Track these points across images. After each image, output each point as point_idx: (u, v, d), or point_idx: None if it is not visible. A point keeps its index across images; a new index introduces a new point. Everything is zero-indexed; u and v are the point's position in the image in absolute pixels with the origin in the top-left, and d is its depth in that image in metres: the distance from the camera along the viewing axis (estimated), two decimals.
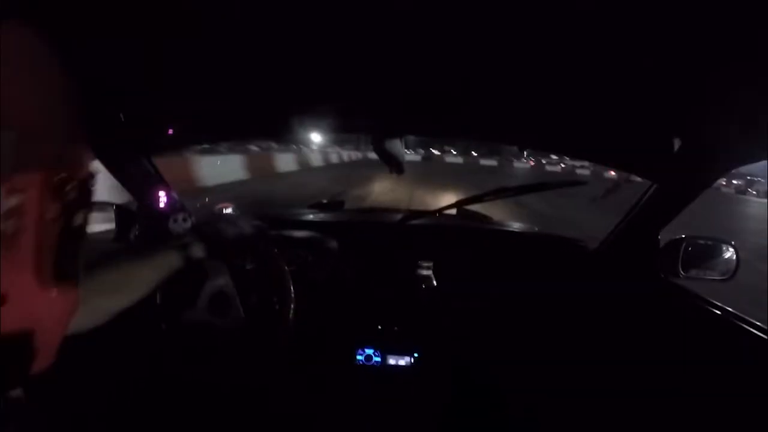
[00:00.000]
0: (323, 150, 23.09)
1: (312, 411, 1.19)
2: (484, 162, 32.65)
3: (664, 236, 1.18)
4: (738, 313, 0.95)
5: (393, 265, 1.28)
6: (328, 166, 19.69)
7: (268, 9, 0.55)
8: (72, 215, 0.32)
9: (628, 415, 1.09)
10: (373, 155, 1.38)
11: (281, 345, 0.99)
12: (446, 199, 2.03)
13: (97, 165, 1.14)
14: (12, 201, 0.28)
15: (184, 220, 1.30)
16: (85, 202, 0.34)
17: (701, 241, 1.12)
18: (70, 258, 0.33)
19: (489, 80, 0.82)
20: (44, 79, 0.31)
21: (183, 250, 0.82)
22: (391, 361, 1.22)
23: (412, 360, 1.21)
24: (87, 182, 0.34)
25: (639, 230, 1.22)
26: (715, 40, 0.53)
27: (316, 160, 19.31)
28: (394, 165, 1.34)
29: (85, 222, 0.35)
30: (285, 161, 15.13)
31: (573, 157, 1.33)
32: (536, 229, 1.63)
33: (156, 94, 0.95)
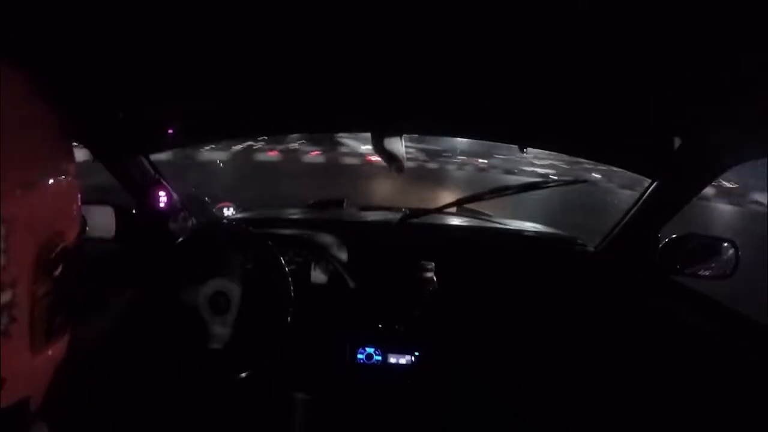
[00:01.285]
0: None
1: (312, 410, 1.19)
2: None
3: (663, 234, 1.18)
4: (738, 311, 0.95)
5: (393, 264, 1.28)
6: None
7: (269, 7, 0.55)
8: (63, 286, 0.32)
9: (627, 414, 1.09)
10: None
11: (281, 344, 0.99)
12: (446, 197, 2.02)
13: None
14: (5, 297, 0.27)
15: (184, 219, 1.30)
16: (74, 270, 0.33)
17: (701, 239, 1.12)
18: (62, 316, 0.33)
19: (489, 80, 0.82)
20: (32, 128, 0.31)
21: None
22: (392, 360, 1.22)
23: (413, 359, 1.22)
24: (77, 252, 0.34)
25: (639, 228, 1.22)
26: (716, 40, 0.53)
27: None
28: (394, 164, 1.34)
29: (76, 278, 0.34)
30: None
31: (573, 155, 1.33)
32: (536, 227, 1.63)
33: (155, 93, 0.95)
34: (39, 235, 0.30)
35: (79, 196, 0.35)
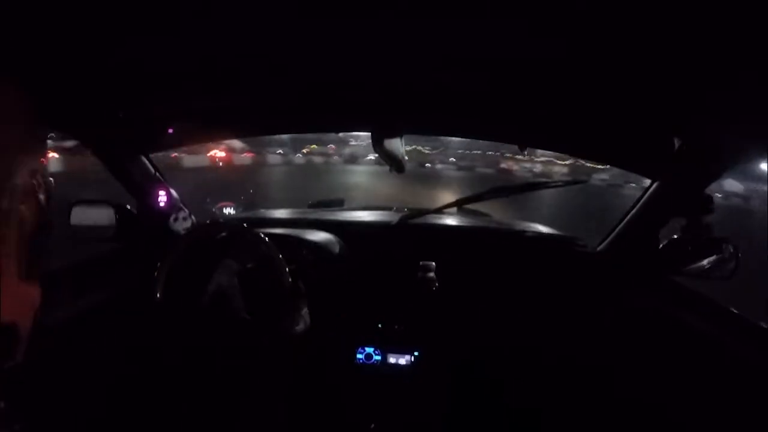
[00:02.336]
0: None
1: (312, 409, 1.19)
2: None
3: (663, 234, 1.18)
4: (737, 311, 0.95)
5: (393, 264, 1.28)
6: None
7: (269, 8, 0.55)
8: (43, 215, 0.34)
9: (627, 414, 1.09)
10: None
11: (281, 344, 0.99)
12: (446, 197, 2.03)
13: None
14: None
15: (184, 219, 1.30)
16: (49, 200, 0.36)
17: (701, 240, 1.11)
18: (39, 254, 0.35)
19: (489, 80, 0.82)
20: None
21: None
22: (392, 359, 1.22)
23: (413, 359, 1.22)
24: (50, 182, 0.36)
25: (639, 229, 1.22)
26: (716, 41, 0.53)
27: None
28: (394, 164, 1.34)
29: (50, 219, 0.37)
30: None
31: (573, 155, 1.33)
32: (536, 227, 1.63)
33: (155, 93, 0.95)
34: (24, 164, 0.32)
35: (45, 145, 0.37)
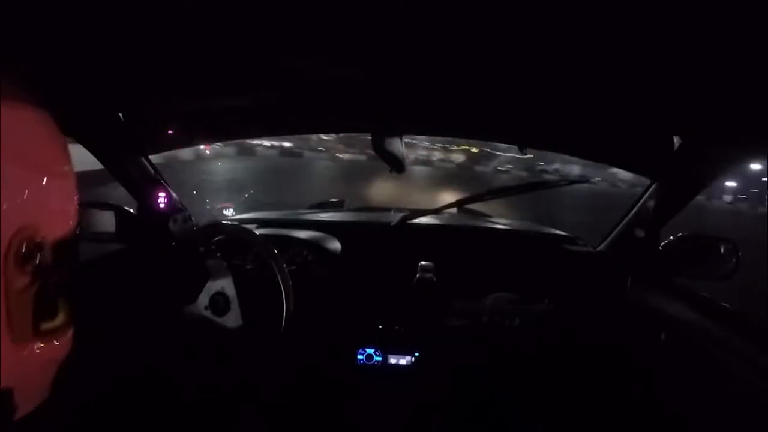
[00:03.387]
0: None
1: (312, 410, 1.19)
2: None
3: (663, 234, 1.18)
4: (737, 311, 0.95)
5: (394, 265, 1.28)
6: None
7: (268, 8, 0.55)
8: (46, 278, 0.31)
9: (627, 413, 1.09)
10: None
11: (281, 345, 0.99)
12: (446, 197, 2.03)
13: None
14: None
15: (184, 220, 1.30)
16: (62, 262, 0.33)
17: (701, 240, 1.12)
18: (53, 311, 0.33)
19: (489, 79, 0.82)
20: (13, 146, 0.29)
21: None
22: (392, 360, 1.22)
23: (413, 360, 1.21)
24: (65, 243, 0.33)
25: (639, 228, 1.22)
26: (715, 40, 0.53)
27: None
28: (394, 164, 1.34)
29: (69, 275, 0.34)
30: None
31: (573, 155, 1.33)
32: (537, 227, 1.63)
33: (156, 93, 0.95)
34: (9, 227, 0.29)
35: (72, 192, 0.34)
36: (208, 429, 1.14)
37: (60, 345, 0.34)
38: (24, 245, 0.29)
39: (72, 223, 0.34)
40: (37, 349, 0.32)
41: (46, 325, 0.32)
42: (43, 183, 0.31)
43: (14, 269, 0.29)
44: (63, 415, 0.88)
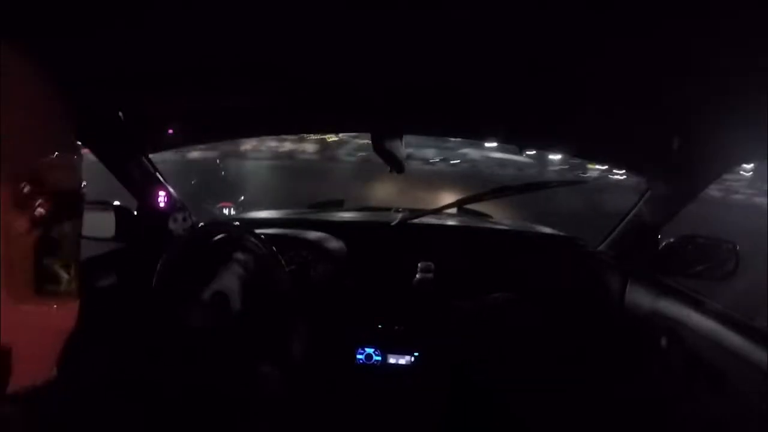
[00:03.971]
0: None
1: (312, 410, 1.19)
2: None
3: (663, 234, 1.18)
4: (736, 314, 0.95)
5: (393, 264, 1.28)
6: None
7: (268, 8, 0.55)
8: (47, 229, 0.31)
9: (626, 413, 1.09)
10: None
11: (281, 344, 0.99)
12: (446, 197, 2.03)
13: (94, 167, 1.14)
14: None
15: (184, 220, 1.30)
16: (63, 215, 0.32)
17: (701, 241, 1.12)
18: (55, 271, 0.32)
19: (489, 80, 0.82)
20: (14, 93, 0.29)
21: None
22: (392, 360, 1.22)
23: (413, 359, 1.21)
24: (67, 192, 0.33)
25: (639, 229, 1.22)
26: (715, 41, 0.53)
27: None
28: (394, 164, 1.34)
29: (71, 235, 0.33)
30: None
31: (573, 155, 1.33)
32: (537, 227, 1.63)
33: (155, 93, 0.95)
34: (9, 166, 0.28)
35: (75, 147, 0.35)
36: (208, 428, 1.14)
37: (64, 313, 0.34)
38: (24, 187, 0.29)
39: (75, 177, 0.34)
40: (39, 311, 0.31)
41: (49, 287, 0.32)
42: (46, 130, 0.32)
43: (14, 211, 0.29)
44: (61, 410, 0.88)
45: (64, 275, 0.33)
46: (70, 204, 0.33)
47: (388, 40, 0.65)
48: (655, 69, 0.66)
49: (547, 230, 1.57)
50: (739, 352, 0.86)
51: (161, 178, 1.27)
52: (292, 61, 0.76)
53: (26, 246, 0.30)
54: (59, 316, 0.33)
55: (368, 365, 1.21)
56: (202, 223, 1.31)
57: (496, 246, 1.39)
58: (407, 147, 1.19)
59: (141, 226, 1.23)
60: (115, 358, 1.08)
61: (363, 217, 1.57)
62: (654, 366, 1.08)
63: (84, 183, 0.35)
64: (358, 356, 1.22)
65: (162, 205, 1.24)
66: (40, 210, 0.30)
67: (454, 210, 1.55)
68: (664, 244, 1.15)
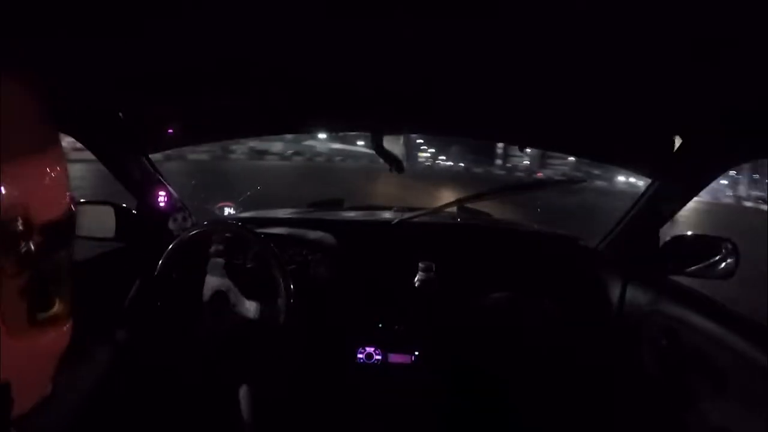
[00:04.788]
0: None
1: (312, 410, 1.19)
2: None
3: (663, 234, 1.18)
4: (737, 312, 0.95)
5: (393, 264, 1.28)
6: None
7: (269, 8, 0.55)
8: (39, 264, 0.30)
9: (626, 413, 1.09)
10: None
11: (281, 344, 0.99)
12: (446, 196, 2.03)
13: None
14: None
15: (184, 219, 1.30)
16: (55, 246, 0.31)
17: (701, 239, 1.12)
18: (50, 301, 0.32)
19: (489, 80, 0.82)
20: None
21: None
22: (392, 359, 1.22)
23: (413, 358, 1.22)
24: (57, 225, 0.31)
25: (639, 228, 1.22)
26: (716, 40, 0.53)
27: None
28: (393, 163, 1.34)
29: (64, 263, 0.33)
30: None
31: (574, 155, 1.33)
32: (536, 226, 1.63)
33: (155, 93, 0.95)
34: None
35: (63, 176, 0.33)
36: (208, 428, 1.14)
37: (58, 336, 0.34)
38: (13, 227, 0.28)
39: (64, 207, 0.33)
40: (35, 340, 0.31)
41: (43, 315, 0.32)
42: (33, 165, 0.30)
43: (5, 253, 0.28)
44: (66, 409, 0.88)
45: (58, 301, 0.33)
46: (60, 233, 0.32)
47: (387, 41, 0.65)
48: (655, 69, 0.65)
49: (547, 229, 1.57)
50: (739, 351, 0.86)
51: (161, 178, 1.27)
52: (293, 60, 0.76)
53: (20, 285, 0.29)
54: (54, 340, 0.33)
55: (369, 365, 1.21)
56: (201, 223, 1.31)
57: (496, 245, 1.39)
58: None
59: (141, 226, 1.23)
60: (114, 356, 1.08)
61: (363, 217, 1.57)
62: (654, 365, 1.08)
63: (73, 206, 0.34)
64: (359, 356, 1.22)
65: (162, 205, 1.25)
66: (32, 248, 0.29)
67: (453, 209, 1.55)
68: (664, 243, 1.15)
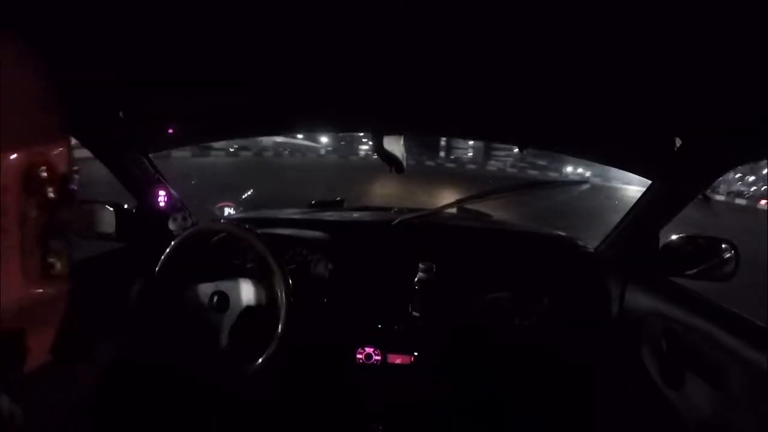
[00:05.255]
0: None
1: (312, 410, 1.19)
2: None
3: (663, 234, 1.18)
4: (737, 312, 0.95)
5: (393, 264, 1.28)
6: None
7: (269, 9, 0.55)
8: (54, 212, 0.33)
9: (626, 413, 1.09)
10: None
11: (281, 344, 0.99)
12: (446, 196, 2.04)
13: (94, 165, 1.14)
14: None
15: (184, 219, 1.30)
16: (66, 198, 0.34)
17: (701, 241, 1.12)
18: (56, 254, 0.34)
19: (490, 79, 0.82)
20: (21, 80, 0.32)
21: None
22: (392, 360, 1.22)
23: (413, 359, 1.21)
24: (67, 179, 0.35)
25: (639, 229, 1.22)
26: (716, 40, 0.53)
27: None
28: (393, 164, 1.34)
29: (70, 219, 0.35)
30: None
31: (574, 155, 1.33)
32: (536, 227, 1.63)
33: (155, 93, 0.95)
34: (26, 152, 0.31)
35: (66, 139, 0.36)
36: (208, 428, 1.14)
37: (62, 296, 0.35)
38: (33, 177, 0.31)
39: (69, 165, 0.35)
40: (46, 291, 0.33)
41: (52, 271, 0.34)
42: (45, 125, 0.34)
43: (26, 200, 0.31)
44: (67, 409, 0.88)
45: (63, 259, 0.35)
46: (69, 190, 0.35)
47: (387, 41, 0.65)
48: (655, 69, 0.65)
49: (547, 230, 1.57)
50: (739, 353, 0.86)
51: (161, 178, 1.27)
52: (293, 61, 0.76)
53: (36, 230, 0.32)
54: (59, 298, 0.35)
55: (368, 365, 1.21)
56: (201, 223, 1.31)
57: (496, 246, 1.39)
58: None
59: (141, 226, 1.23)
60: (113, 356, 1.08)
61: (363, 217, 1.57)
62: (653, 366, 1.08)
63: (77, 172, 0.37)
64: (358, 356, 1.22)
65: (162, 205, 1.25)
66: (50, 194, 0.32)
67: (453, 210, 1.55)
68: (664, 244, 1.15)
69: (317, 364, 1.22)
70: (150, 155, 1.26)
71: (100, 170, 1.18)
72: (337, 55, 0.73)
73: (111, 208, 1.17)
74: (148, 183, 1.24)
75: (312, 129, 1.69)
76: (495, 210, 1.69)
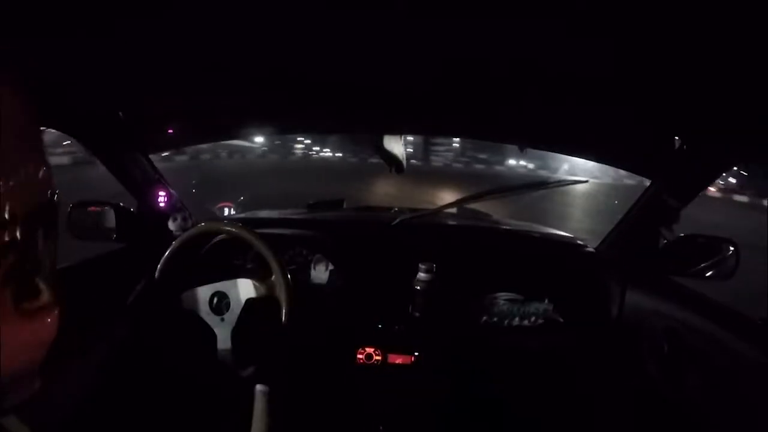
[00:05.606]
0: None
1: (312, 410, 1.19)
2: None
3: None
4: (737, 311, 0.95)
5: (394, 264, 1.28)
6: None
7: (269, 8, 0.55)
8: (25, 250, 0.30)
9: (625, 413, 1.09)
10: None
11: (281, 344, 0.99)
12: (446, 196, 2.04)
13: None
14: None
15: (184, 219, 1.30)
16: (40, 232, 0.32)
17: (701, 240, 1.12)
18: (36, 290, 0.32)
19: (489, 80, 0.82)
20: None
21: None
22: (392, 360, 1.22)
23: (413, 359, 1.21)
24: (41, 211, 0.32)
25: (639, 228, 1.22)
26: (716, 40, 0.53)
27: None
28: (394, 164, 1.34)
29: (49, 250, 0.33)
30: None
31: (574, 155, 1.33)
32: (536, 227, 1.63)
33: (155, 93, 0.95)
34: None
35: (43, 164, 0.33)
36: (208, 428, 1.14)
37: (44, 326, 0.33)
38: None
39: (46, 196, 0.33)
40: (20, 330, 0.31)
41: (29, 305, 0.31)
42: (17, 159, 0.30)
43: None
44: (67, 409, 0.88)
45: (45, 291, 0.33)
46: (45, 220, 0.32)
47: (387, 41, 0.65)
48: (655, 69, 0.65)
49: (547, 230, 1.57)
50: (740, 352, 0.86)
51: (161, 178, 1.27)
52: (293, 61, 0.76)
53: (2, 274, 0.29)
54: (40, 329, 0.33)
55: (368, 365, 1.21)
56: (201, 223, 1.31)
57: (496, 246, 1.39)
58: None
59: (141, 226, 1.23)
60: (116, 357, 1.08)
61: (363, 217, 1.57)
62: (654, 366, 1.08)
63: (57, 193, 0.34)
64: (359, 356, 1.22)
65: (162, 205, 1.25)
66: (16, 232, 0.29)
67: (454, 210, 1.55)
68: (664, 243, 1.15)
69: (318, 364, 1.22)
70: (150, 155, 1.26)
71: (99, 170, 1.19)
72: (337, 54, 0.72)
73: (111, 209, 1.17)
74: (148, 183, 1.24)
75: (312, 129, 1.69)
76: (495, 210, 1.69)
